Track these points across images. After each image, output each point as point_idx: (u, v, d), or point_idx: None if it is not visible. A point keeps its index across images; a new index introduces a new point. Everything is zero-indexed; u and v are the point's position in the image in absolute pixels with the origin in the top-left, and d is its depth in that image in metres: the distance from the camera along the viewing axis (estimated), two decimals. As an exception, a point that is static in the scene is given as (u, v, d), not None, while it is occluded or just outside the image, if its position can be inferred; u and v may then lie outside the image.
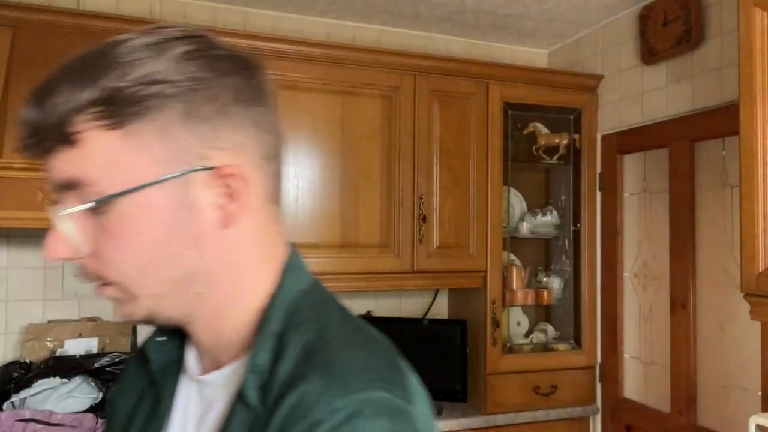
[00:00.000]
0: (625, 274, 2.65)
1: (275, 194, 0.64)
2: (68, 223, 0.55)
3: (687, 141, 2.31)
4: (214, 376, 0.62)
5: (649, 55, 2.44)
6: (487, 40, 3.01)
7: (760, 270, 1.45)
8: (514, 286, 2.72)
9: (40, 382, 2.01)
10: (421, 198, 2.47)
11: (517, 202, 2.85)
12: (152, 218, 0.55)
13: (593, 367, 2.72)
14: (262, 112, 0.60)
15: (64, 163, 0.55)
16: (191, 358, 0.67)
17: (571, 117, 2.80)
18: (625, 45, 2.62)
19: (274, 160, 0.62)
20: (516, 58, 3.08)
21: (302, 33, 2.70)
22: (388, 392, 0.53)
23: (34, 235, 2.32)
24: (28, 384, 2.02)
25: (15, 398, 1.98)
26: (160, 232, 0.55)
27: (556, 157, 2.78)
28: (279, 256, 0.65)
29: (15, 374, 2.05)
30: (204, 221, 0.57)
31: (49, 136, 0.54)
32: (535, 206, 2.89)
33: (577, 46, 2.93)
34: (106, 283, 0.58)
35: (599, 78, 2.75)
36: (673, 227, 2.36)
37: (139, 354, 0.73)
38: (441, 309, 2.91)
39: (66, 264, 2.34)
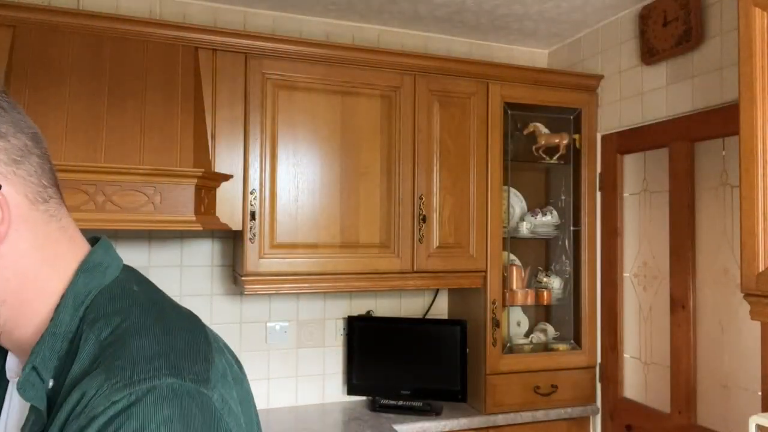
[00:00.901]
0: (625, 274, 2.65)
1: (43, 192, 0.61)
2: None
3: (687, 141, 2.31)
4: (15, 381, 0.62)
5: (649, 55, 2.44)
6: (487, 40, 3.01)
7: (760, 270, 1.45)
8: (514, 286, 2.72)
9: None
10: (421, 198, 2.48)
11: (517, 202, 2.85)
12: None
13: (593, 367, 2.72)
14: (21, 142, 0.60)
15: None
16: (11, 362, 0.66)
17: (571, 117, 2.80)
18: (625, 45, 2.62)
19: (28, 157, 0.60)
20: (516, 58, 3.08)
21: (302, 33, 2.71)
22: (177, 377, 0.53)
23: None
24: None
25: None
26: None
27: (556, 157, 2.78)
28: (71, 253, 0.63)
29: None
30: None
31: None
32: (535, 206, 2.89)
33: (577, 46, 2.93)
34: None
35: (599, 78, 2.75)
36: (673, 227, 2.36)
37: None
38: (441, 309, 2.91)
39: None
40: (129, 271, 0.67)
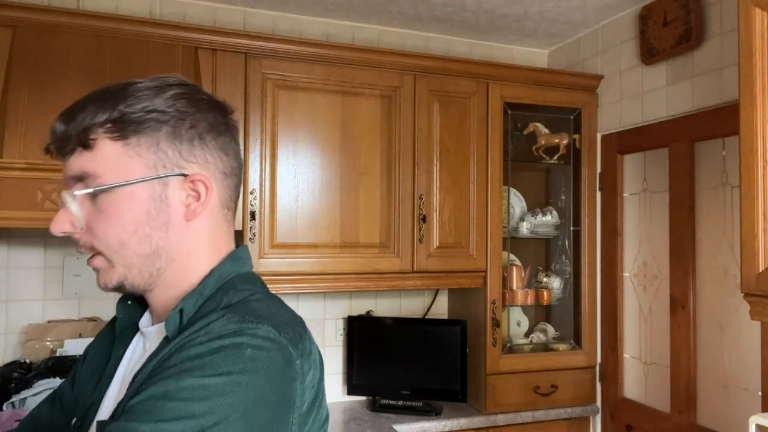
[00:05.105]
0: (625, 274, 2.65)
1: (230, 203, 0.83)
2: (73, 205, 0.75)
3: (687, 141, 2.31)
4: (153, 327, 0.80)
5: (649, 55, 2.44)
6: (487, 40, 3.01)
7: (760, 270, 1.45)
8: (514, 286, 2.72)
9: (40, 382, 2.01)
10: (421, 198, 2.47)
11: (517, 202, 2.85)
12: (135, 206, 0.74)
13: (593, 367, 2.72)
14: (226, 141, 0.81)
15: (80, 161, 0.74)
16: (145, 318, 0.85)
17: (571, 117, 2.80)
18: (625, 45, 2.62)
19: (232, 177, 0.82)
20: (516, 58, 3.08)
21: (302, 33, 2.71)
22: (277, 330, 0.69)
23: (34, 235, 2.32)
24: (28, 384, 2.02)
25: (15, 398, 1.98)
26: (139, 217, 0.74)
27: (556, 157, 2.78)
28: (224, 248, 0.83)
29: (15, 374, 2.05)
30: (173, 213, 0.76)
31: (73, 141, 0.74)
32: (535, 206, 2.89)
33: (577, 46, 2.93)
34: (94, 255, 0.76)
35: (599, 78, 2.75)
36: (673, 227, 2.36)
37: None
38: (441, 309, 2.91)
39: (66, 264, 2.34)
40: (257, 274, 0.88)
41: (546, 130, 2.81)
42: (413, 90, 2.48)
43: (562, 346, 2.75)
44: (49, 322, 2.29)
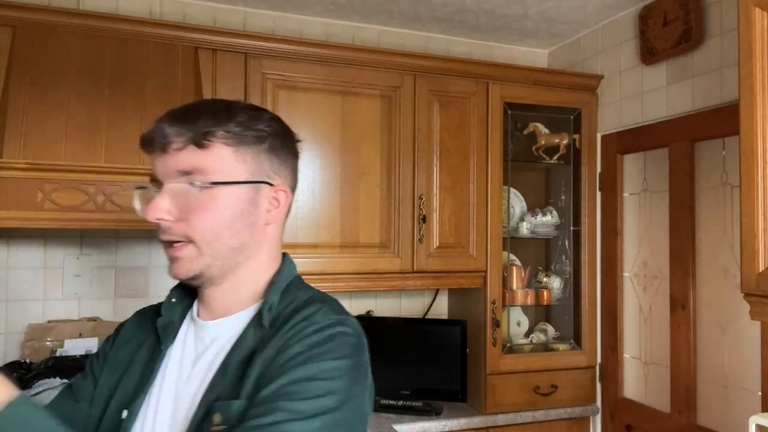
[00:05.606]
0: (625, 274, 2.65)
1: (287, 214, 0.98)
2: (172, 195, 0.84)
3: (687, 141, 2.31)
4: (221, 321, 0.90)
5: (649, 55, 2.44)
6: (487, 40, 3.01)
7: (760, 270, 1.45)
8: (514, 286, 2.72)
9: (40, 382, 2.01)
10: (421, 198, 2.47)
11: (517, 202, 2.85)
12: (233, 203, 0.86)
13: (593, 367, 2.72)
14: (296, 163, 0.98)
15: (192, 157, 0.84)
16: (194, 311, 0.95)
17: (571, 117, 2.80)
18: (625, 45, 2.62)
19: (294, 191, 0.97)
20: (516, 58, 3.08)
21: (302, 33, 2.70)
22: (357, 324, 0.88)
23: (34, 235, 2.32)
24: (28, 384, 2.02)
25: (15, 398, 1.97)
26: (235, 213, 0.87)
27: (556, 157, 2.78)
28: (280, 252, 0.97)
29: (15, 374, 2.05)
30: (259, 216, 0.90)
31: (187, 140, 0.84)
32: (535, 206, 2.89)
33: (577, 46, 2.93)
34: (185, 243, 0.85)
35: (599, 78, 2.75)
36: (673, 227, 2.36)
37: (140, 313, 1.03)
38: (441, 309, 2.91)
39: (66, 264, 2.34)
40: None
41: (546, 130, 2.81)
42: (413, 90, 2.48)
43: (562, 346, 2.75)
44: (49, 322, 2.29)
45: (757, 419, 1.58)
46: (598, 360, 2.74)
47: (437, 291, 2.88)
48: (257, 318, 0.87)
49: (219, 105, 0.91)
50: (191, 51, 2.19)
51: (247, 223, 0.88)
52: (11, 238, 2.30)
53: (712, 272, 2.23)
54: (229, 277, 0.89)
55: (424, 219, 2.47)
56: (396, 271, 2.44)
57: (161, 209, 0.84)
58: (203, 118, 0.86)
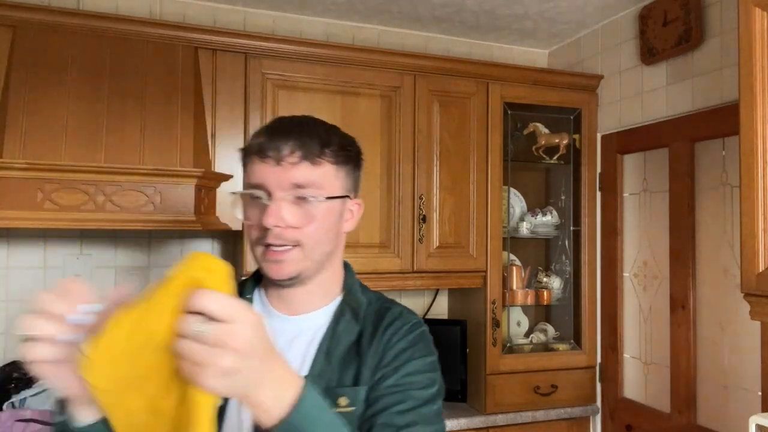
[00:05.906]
0: (625, 274, 2.65)
1: None
2: (288, 204, 0.94)
3: (687, 141, 2.31)
4: (305, 316, 1.03)
5: (649, 55, 2.44)
6: (487, 40, 3.01)
7: (760, 270, 1.45)
8: (514, 286, 2.72)
9: (40, 382, 2.01)
10: (421, 198, 2.47)
11: (517, 202, 2.85)
12: (332, 214, 1.00)
13: (593, 367, 2.72)
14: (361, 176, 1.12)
15: (307, 172, 0.95)
16: (268, 306, 1.06)
17: (571, 117, 2.80)
18: (625, 45, 2.62)
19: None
20: (516, 58, 3.08)
21: (302, 33, 2.70)
22: None
23: (34, 235, 2.32)
24: (28, 384, 2.02)
25: (15, 398, 1.98)
26: (332, 223, 1.00)
27: (556, 157, 2.78)
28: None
29: (15, 374, 2.05)
30: (342, 225, 1.04)
31: (304, 156, 0.95)
32: (535, 206, 2.89)
33: (577, 46, 2.93)
34: (294, 246, 0.95)
35: (599, 78, 2.75)
36: (673, 227, 2.36)
37: None
38: (441, 309, 2.91)
39: (66, 264, 2.34)
40: None
41: (546, 130, 2.81)
42: (413, 90, 2.48)
43: (562, 346, 2.75)
44: (49, 322, 2.29)
45: (757, 419, 1.58)
46: (598, 360, 2.74)
47: (437, 291, 2.88)
48: (346, 314, 1.02)
49: (322, 126, 1.03)
50: (191, 51, 2.19)
51: (336, 232, 1.02)
52: (11, 238, 2.30)
53: (712, 272, 2.23)
54: (315, 278, 1.01)
55: (424, 219, 2.47)
56: (396, 271, 2.44)
57: (281, 217, 0.93)
58: (315, 138, 0.97)
